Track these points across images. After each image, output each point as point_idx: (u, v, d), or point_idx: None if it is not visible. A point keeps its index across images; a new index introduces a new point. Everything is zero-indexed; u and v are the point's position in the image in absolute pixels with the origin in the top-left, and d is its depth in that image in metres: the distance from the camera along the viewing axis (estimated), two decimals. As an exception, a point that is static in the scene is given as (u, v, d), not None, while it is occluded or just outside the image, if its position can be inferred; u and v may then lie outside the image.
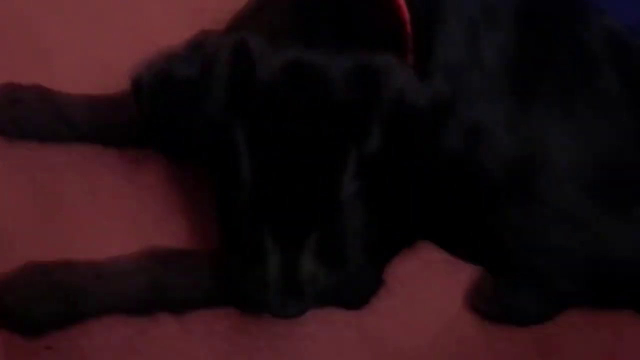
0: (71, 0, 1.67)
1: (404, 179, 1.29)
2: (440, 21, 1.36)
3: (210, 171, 1.30)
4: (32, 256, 1.40)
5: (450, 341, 1.46)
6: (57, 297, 1.35)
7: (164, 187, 1.50)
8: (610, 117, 1.39)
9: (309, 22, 1.25)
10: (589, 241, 1.38)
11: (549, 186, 1.37)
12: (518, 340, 1.47)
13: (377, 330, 1.42)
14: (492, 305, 1.45)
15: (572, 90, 1.39)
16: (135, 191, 1.49)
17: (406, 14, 1.32)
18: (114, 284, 1.36)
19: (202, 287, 1.38)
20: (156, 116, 1.28)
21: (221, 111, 1.20)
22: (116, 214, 1.48)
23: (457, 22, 1.36)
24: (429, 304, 1.47)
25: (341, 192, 1.21)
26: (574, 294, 1.44)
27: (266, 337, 1.43)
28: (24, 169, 1.48)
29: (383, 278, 1.42)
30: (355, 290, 1.38)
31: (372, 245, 1.32)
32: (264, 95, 1.20)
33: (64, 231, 1.45)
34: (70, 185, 1.48)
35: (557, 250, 1.40)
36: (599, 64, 1.41)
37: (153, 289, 1.36)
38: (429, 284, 1.48)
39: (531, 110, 1.37)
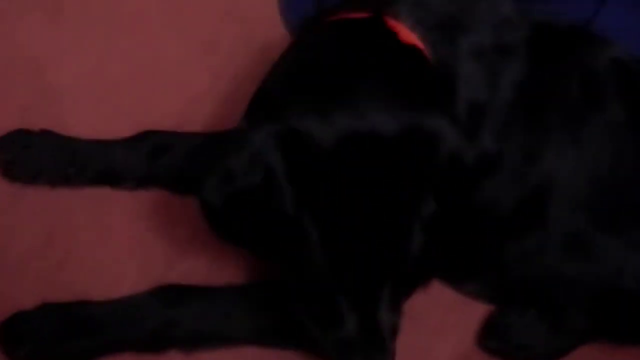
0: (80, 37, 1.67)
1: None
2: (459, 60, 1.36)
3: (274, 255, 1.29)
4: (46, 298, 1.41)
5: (462, 379, 1.47)
6: (72, 333, 1.37)
7: (176, 227, 1.51)
8: (615, 145, 1.39)
9: (348, 85, 1.24)
10: (598, 271, 1.39)
11: (559, 215, 1.38)
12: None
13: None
14: (503, 342, 1.45)
15: (580, 119, 1.40)
16: (148, 232, 1.50)
17: (430, 59, 1.33)
18: (128, 320, 1.38)
19: (218, 322, 1.39)
20: (232, 230, 1.29)
21: (292, 207, 1.20)
22: (129, 256, 1.49)
23: (474, 61, 1.37)
24: (441, 342, 1.47)
25: (411, 246, 1.24)
26: (585, 326, 1.43)
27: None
28: (37, 214, 1.49)
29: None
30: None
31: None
32: (326, 173, 1.20)
33: (78, 275, 1.47)
34: (83, 229, 1.50)
35: (567, 279, 1.40)
36: (607, 93, 1.41)
37: (165, 327, 1.37)
38: (441, 322, 1.48)
39: (543, 141, 1.38)
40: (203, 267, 1.48)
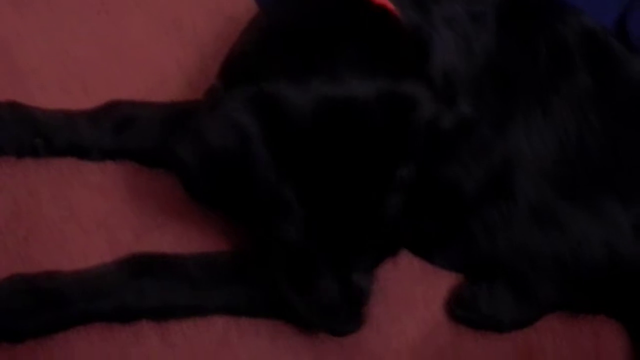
0: (47, 19, 1.66)
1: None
2: (432, 26, 1.38)
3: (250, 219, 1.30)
4: (13, 272, 1.40)
5: (429, 348, 1.48)
6: (40, 306, 1.36)
7: (144, 199, 1.51)
8: (581, 114, 1.40)
9: (322, 51, 1.24)
10: (563, 241, 1.40)
11: (525, 186, 1.39)
12: (497, 347, 1.48)
13: (356, 337, 1.40)
14: (471, 312, 1.46)
15: (547, 88, 1.41)
16: (114, 206, 1.49)
17: (402, 24, 1.34)
18: (94, 291, 1.37)
19: (184, 294, 1.39)
20: (206, 192, 1.28)
21: (268, 171, 1.20)
22: (96, 228, 1.48)
23: (447, 27, 1.38)
24: (408, 312, 1.48)
25: (387, 211, 1.25)
26: (551, 297, 1.45)
27: (248, 349, 1.43)
28: (2, 188, 1.48)
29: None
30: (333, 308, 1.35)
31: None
32: (302, 139, 1.20)
33: (46, 249, 1.46)
34: (48, 203, 1.49)
35: (533, 250, 1.41)
36: (574, 61, 1.43)
37: (134, 295, 1.37)
38: (408, 292, 1.49)
39: (510, 110, 1.39)
40: (171, 239, 1.48)
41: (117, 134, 1.51)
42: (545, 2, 1.47)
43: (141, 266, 1.38)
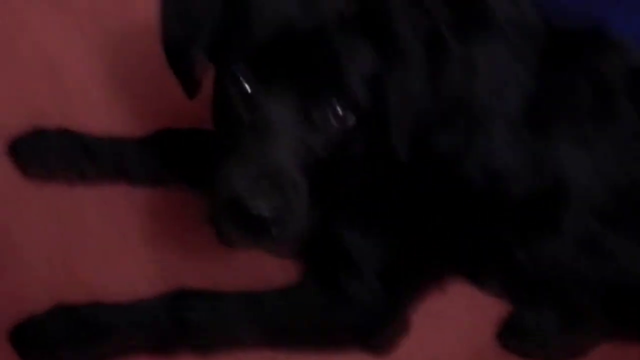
0: (95, 41, 1.68)
1: (426, 207, 1.35)
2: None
3: None
4: (61, 296, 1.41)
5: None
6: (83, 335, 1.36)
7: (192, 224, 1.50)
8: (626, 147, 1.40)
9: None
10: (611, 269, 1.40)
11: (573, 219, 1.38)
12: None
13: (406, 361, 1.42)
14: (521, 341, 1.46)
15: (590, 122, 1.39)
16: (163, 228, 1.50)
17: None
18: (139, 323, 1.37)
19: (229, 327, 1.39)
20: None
21: None
22: (143, 251, 1.49)
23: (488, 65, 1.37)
24: (457, 338, 1.48)
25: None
26: (601, 325, 1.44)
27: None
28: (53, 214, 1.50)
29: (405, 317, 1.43)
30: (368, 316, 1.39)
31: (390, 273, 1.37)
32: None
33: (92, 269, 1.46)
34: (98, 226, 1.50)
35: (582, 279, 1.41)
36: (617, 96, 1.41)
37: (178, 329, 1.37)
38: (459, 319, 1.49)
39: (552, 144, 1.38)
40: (219, 264, 1.49)
41: (166, 160, 1.51)
42: (589, 38, 1.44)
43: (185, 299, 1.38)
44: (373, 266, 1.36)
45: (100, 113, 1.61)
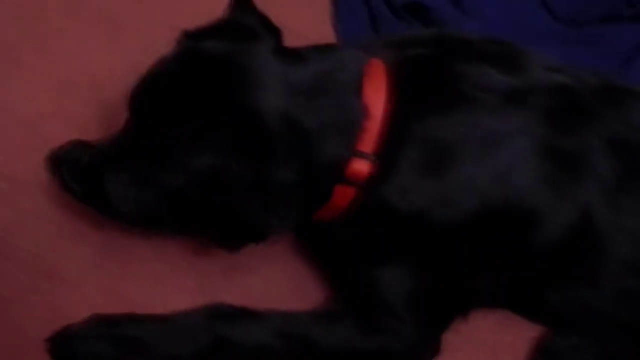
0: (137, 56, 1.68)
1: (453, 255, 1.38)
2: None
3: None
4: (105, 310, 1.44)
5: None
6: (121, 349, 1.38)
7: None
8: None
9: None
10: None
11: (609, 275, 1.39)
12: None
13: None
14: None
15: (619, 188, 1.37)
16: (205, 247, 1.52)
17: None
18: (178, 339, 1.39)
19: (267, 346, 1.40)
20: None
21: None
22: (186, 269, 1.51)
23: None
24: (490, 358, 1.49)
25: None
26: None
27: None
28: (96, 226, 1.52)
29: (438, 343, 1.44)
30: (401, 346, 1.41)
31: (421, 307, 1.39)
32: None
33: (137, 286, 1.49)
34: (141, 241, 1.52)
35: (617, 322, 1.44)
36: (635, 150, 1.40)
37: (217, 346, 1.39)
38: (496, 341, 1.51)
39: (583, 210, 1.37)
40: (260, 283, 1.51)
41: None
42: (601, 96, 1.42)
43: (226, 316, 1.40)
44: (404, 300, 1.38)
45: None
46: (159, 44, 1.65)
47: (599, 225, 1.35)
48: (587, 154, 1.35)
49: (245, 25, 1.36)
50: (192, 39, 1.36)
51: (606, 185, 1.35)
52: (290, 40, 1.41)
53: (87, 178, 1.38)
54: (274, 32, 1.37)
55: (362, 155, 1.32)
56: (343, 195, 1.34)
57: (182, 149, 1.28)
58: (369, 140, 1.32)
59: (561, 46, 1.69)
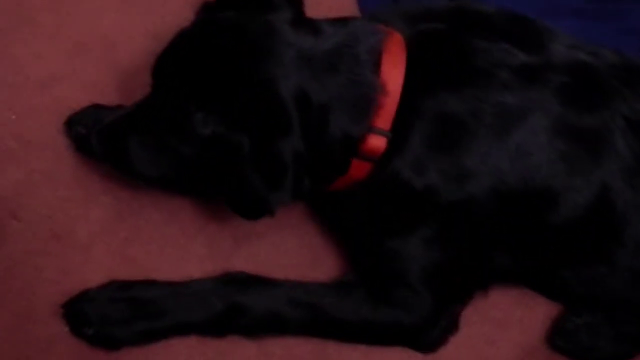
0: (152, 18, 1.67)
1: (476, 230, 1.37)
2: None
3: None
4: (113, 273, 1.44)
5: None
6: (136, 313, 1.39)
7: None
8: None
9: None
10: None
11: (623, 254, 1.38)
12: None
13: (452, 358, 1.44)
14: (571, 343, 1.47)
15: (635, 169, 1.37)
16: (215, 213, 1.51)
17: None
18: (192, 304, 1.40)
19: (279, 314, 1.40)
20: None
21: None
22: (196, 234, 1.50)
23: None
24: (504, 335, 1.49)
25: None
26: None
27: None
28: (108, 190, 1.51)
29: (454, 317, 1.45)
30: (414, 318, 1.41)
31: (436, 280, 1.38)
32: None
33: (145, 251, 1.48)
34: (151, 206, 1.51)
35: (632, 300, 1.43)
36: None
37: (230, 313, 1.39)
38: (506, 315, 1.50)
39: (604, 188, 1.36)
40: (268, 249, 1.51)
41: None
42: (620, 74, 1.40)
43: (241, 283, 1.41)
44: (419, 273, 1.38)
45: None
46: (172, 6, 1.67)
47: (616, 204, 1.35)
48: (606, 132, 1.34)
49: None
50: (210, 9, 1.35)
51: (625, 165, 1.34)
52: (310, 9, 1.40)
53: (110, 137, 1.38)
54: (294, 1, 1.35)
55: (378, 131, 1.31)
56: (359, 170, 1.34)
57: (191, 117, 1.28)
58: (386, 115, 1.32)
59: (577, 20, 1.67)
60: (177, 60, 1.33)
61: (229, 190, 1.34)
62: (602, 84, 1.38)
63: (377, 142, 1.32)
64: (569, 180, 1.33)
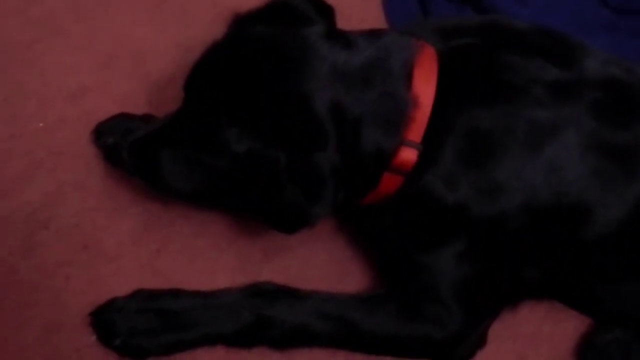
0: (181, 32, 1.68)
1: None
2: None
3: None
4: (142, 285, 1.44)
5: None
6: (164, 324, 1.38)
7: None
8: None
9: None
10: None
11: None
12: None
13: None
14: (602, 358, 1.46)
15: None
16: (246, 225, 1.51)
17: None
18: (220, 316, 1.39)
19: (308, 326, 1.40)
20: None
21: None
22: (226, 247, 1.50)
23: None
24: (535, 349, 1.48)
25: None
26: None
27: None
28: (137, 200, 1.51)
29: (482, 333, 1.44)
30: (444, 334, 1.40)
31: (467, 296, 1.38)
32: None
33: (175, 263, 1.48)
34: (181, 218, 1.51)
35: None
36: None
37: (258, 325, 1.38)
38: (536, 330, 1.50)
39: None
40: (299, 263, 1.50)
41: None
42: None
43: (270, 295, 1.40)
44: (449, 288, 1.37)
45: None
46: (202, 19, 1.68)
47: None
48: (639, 149, 1.32)
49: (296, 8, 1.34)
50: (242, 23, 1.34)
51: None
52: (339, 21, 1.40)
53: (142, 151, 1.37)
54: (327, 12, 1.36)
55: (410, 145, 1.31)
56: (390, 183, 1.34)
57: (225, 132, 1.28)
58: (417, 129, 1.31)
59: (611, 35, 1.67)
60: (209, 74, 1.33)
61: (265, 205, 1.32)
62: (635, 100, 1.37)
63: (408, 155, 1.31)
64: (602, 196, 1.32)
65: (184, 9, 1.72)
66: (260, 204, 1.33)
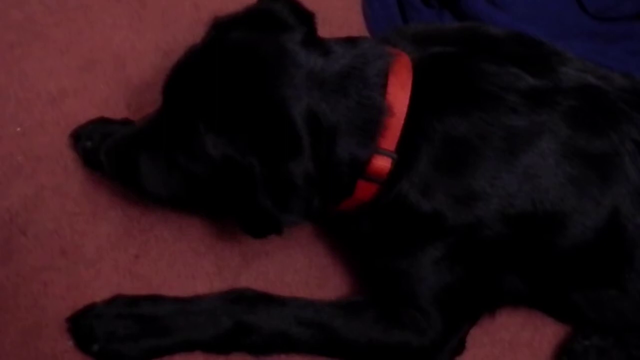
0: (162, 36, 1.67)
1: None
2: None
3: None
4: (121, 289, 1.44)
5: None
6: (142, 330, 1.38)
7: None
8: None
9: None
10: None
11: (633, 278, 1.38)
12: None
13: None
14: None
15: None
16: (225, 230, 1.51)
17: None
18: (199, 322, 1.39)
19: (287, 333, 1.39)
20: None
21: None
22: (205, 251, 1.50)
23: None
24: (513, 356, 1.48)
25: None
26: None
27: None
28: (117, 206, 1.51)
29: (461, 339, 1.44)
30: (423, 340, 1.39)
31: (446, 302, 1.38)
32: None
33: (154, 267, 1.48)
34: (160, 223, 1.51)
35: (638, 327, 1.43)
36: None
37: (237, 331, 1.38)
38: (514, 336, 1.49)
39: (615, 213, 1.36)
40: (277, 267, 1.50)
41: None
42: (630, 98, 1.39)
43: (245, 302, 1.40)
44: (428, 294, 1.37)
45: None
46: (182, 22, 1.68)
47: (627, 228, 1.34)
48: (615, 156, 1.34)
49: (276, 14, 1.34)
50: (221, 28, 1.34)
51: (634, 188, 1.34)
52: (320, 26, 1.40)
53: (120, 155, 1.37)
54: (307, 18, 1.36)
55: (384, 153, 1.31)
56: (365, 191, 1.34)
57: (201, 137, 1.28)
58: (391, 137, 1.31)
59: (590, 42, 1.67)
60: (187, 79, 1.33)
61: (239, 210, 1.33)
62: (611, 107, 1.37)
63: (382, 163, 1.32)
64: (578, 204, 1.33)
65: (164, 13, 1.72)
66: (234, 209, 1.34)
